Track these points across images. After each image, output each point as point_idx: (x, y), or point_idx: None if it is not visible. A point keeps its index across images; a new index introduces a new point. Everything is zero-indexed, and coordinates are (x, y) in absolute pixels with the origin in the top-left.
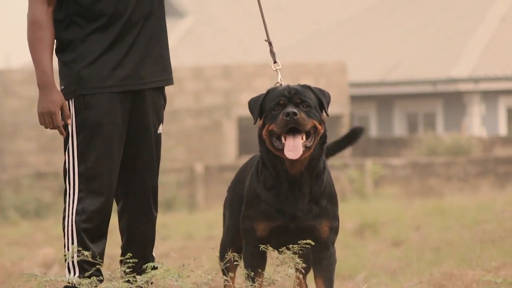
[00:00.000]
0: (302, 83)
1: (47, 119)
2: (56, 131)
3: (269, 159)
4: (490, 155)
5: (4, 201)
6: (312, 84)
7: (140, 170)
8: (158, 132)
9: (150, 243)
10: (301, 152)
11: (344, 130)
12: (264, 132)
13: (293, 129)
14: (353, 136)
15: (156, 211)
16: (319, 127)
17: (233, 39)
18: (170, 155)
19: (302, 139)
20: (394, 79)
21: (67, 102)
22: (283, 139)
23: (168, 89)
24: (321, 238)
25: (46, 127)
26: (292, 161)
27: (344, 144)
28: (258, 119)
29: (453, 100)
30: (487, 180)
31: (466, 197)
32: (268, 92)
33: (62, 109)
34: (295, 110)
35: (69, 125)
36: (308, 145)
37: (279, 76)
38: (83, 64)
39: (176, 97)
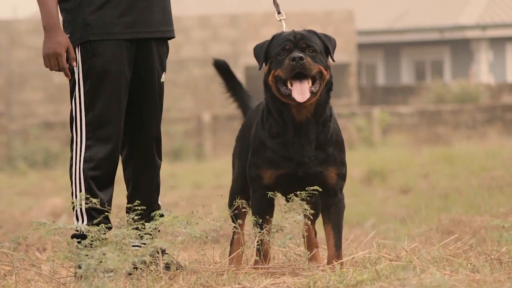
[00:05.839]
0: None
1: (52, 60)
2: (64, 80)
3: (274, 106)
4: (498, 102)
5: (13, 151)
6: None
7: (143, 119)
8: (161, 80)
9: (156, 191)
10: (308, 96)
11: (351, 78)
12: (270, 78)
13: (299, 74)
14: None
15: (160, 159)
16: (325, 72)
17: None
18: (178, 104)
19: (308, 84)
20: (401, 26)
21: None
22: (289, 84)
23: (175, 39)
24: (328, 184)
25: (52, 69)
26: (298, 107)
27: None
28: (264, 65)
29: (461, 48)
30: (495, 127)
31: (474, 144)
32: (274, 37)
33: (67, 51)
34: (302, 55)
35: (75, 73)
36: (314, 91)
37: (284, 26)
38: (89, 9)
39: (183, 46)
